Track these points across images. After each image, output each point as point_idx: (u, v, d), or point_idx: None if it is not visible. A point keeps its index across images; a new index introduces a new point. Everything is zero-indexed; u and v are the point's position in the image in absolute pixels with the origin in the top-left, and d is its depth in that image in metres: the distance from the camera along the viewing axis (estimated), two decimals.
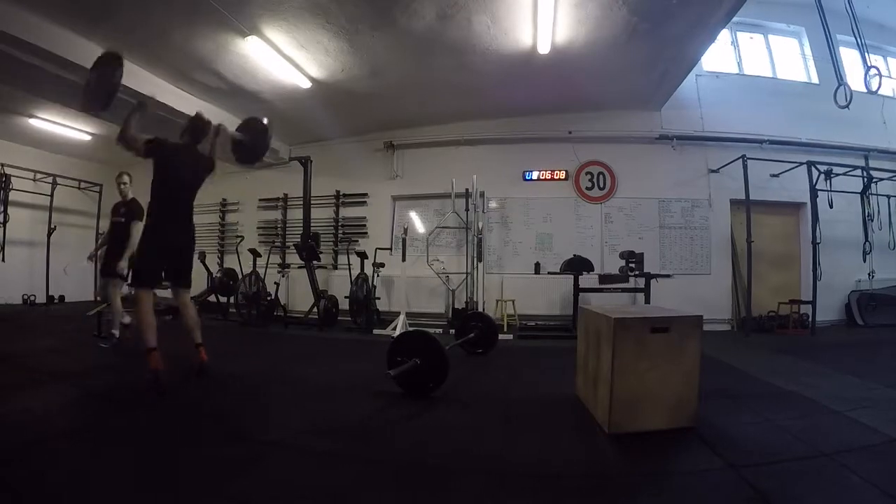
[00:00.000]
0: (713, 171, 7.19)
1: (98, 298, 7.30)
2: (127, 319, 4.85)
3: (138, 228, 4.96)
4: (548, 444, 2.25)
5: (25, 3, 4.63)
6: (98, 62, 3.60)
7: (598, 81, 6.34)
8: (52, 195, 8.28)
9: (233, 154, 4.34)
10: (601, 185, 7.26)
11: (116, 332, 4.75)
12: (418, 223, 7.60)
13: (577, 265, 6.19)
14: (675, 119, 7.30)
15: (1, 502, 1.62)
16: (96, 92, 3.57)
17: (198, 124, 3.67)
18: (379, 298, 6.72)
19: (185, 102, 6.76)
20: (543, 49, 5.31)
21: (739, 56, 8.20)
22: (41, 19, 4.84)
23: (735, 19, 5.27)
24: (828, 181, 6.66)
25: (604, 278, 6.17)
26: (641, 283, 6.09)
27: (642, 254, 6.17)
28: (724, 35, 7.60)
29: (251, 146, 4.22)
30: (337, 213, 7.88)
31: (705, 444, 2.20)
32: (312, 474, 1.91)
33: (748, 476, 1.84)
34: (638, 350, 2.35)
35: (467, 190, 6.76)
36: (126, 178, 5.15)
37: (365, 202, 7.80)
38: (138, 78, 6.04)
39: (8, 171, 8.06)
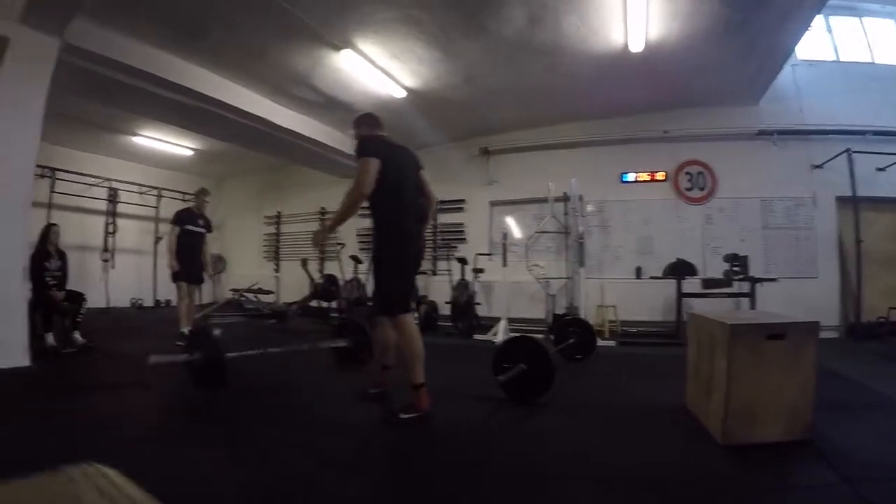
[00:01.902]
0: (816, 167, 6.85)
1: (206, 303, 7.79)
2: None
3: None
4: (658, 454, 2.20)
5: (128, 30, 4.94)
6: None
7: (693, 77, 6.15)
8: (157, 206, 8.80)
9: None
10: (701, 186, 7.05)
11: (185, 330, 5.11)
12: (516, 228, 7.63)
13: (680, 269, 6.05)
14: (773, 112, 6.97)
15: None
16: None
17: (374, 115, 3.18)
18: (480, 304, 6.80)
19: (283, 117, 7.03)
20: (636, 47, 5.19)
21: (834, 42, 7.78)
22: (143, 44, 5.17)
23: (828, 3, 5.01)
24: None
25: (707, 283, 6.02)
26: (745, 287, 5.87)
27: (747, 257, 5.99)
28: (818, 20, 7.22)
29: None
30: (435, 219, 8.00)
31: (820, 457, 2.11)
32: (424, 477, 1.95)
33: (865, 492, 1.75)
34: (753, 357, 2.25)
35: (565, 194, 6.74)
36: (209, 195, 5.70)
37: (462, 208, 7.89)
38: (238, 95, 6.34)
39: (115, 185, 8.60)
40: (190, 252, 5.30)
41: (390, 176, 2.67)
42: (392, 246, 2.78)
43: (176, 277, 5.24)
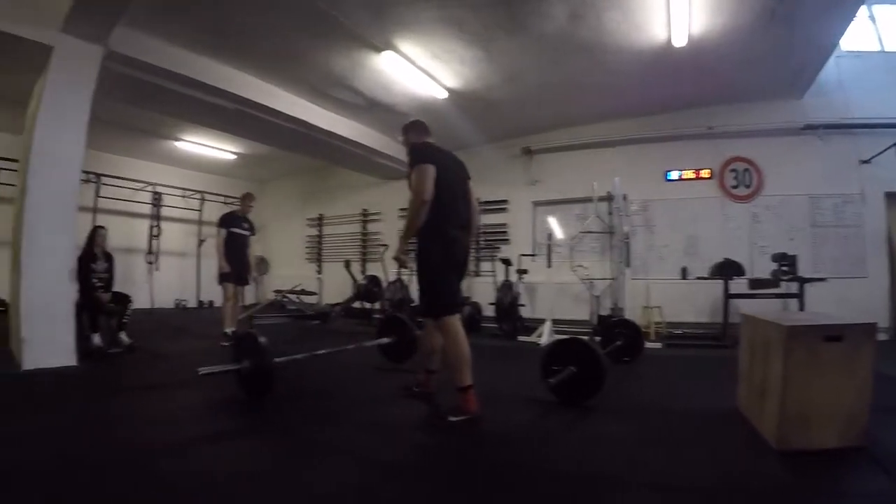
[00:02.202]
0: (864, 162, 6.68)
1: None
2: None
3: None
4: (712, 459, 2.17)
5: (169, 36, 5.04)
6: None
7: (737, 72, 6.03)
8: (200, 210, 8.97)
9: None
10: (747, 183, 6.95)
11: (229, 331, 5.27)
12: (560, 228, 7.63)
13: (727, 269, 5.98)
14: (818, 106, 6.80)
15: (158, 498, 1.74)
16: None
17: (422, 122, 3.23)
18: (524, 305, 6.83)
19: (325, 119, 7.10)
20: (679, 42, 5.11)
21: (879, 32, 7.56)
22: (185, 50, 5.28)
23: None
24: None
25: (754, 283, 5.92)
26: (793, 287, 5.76)
27: (795, 256, 5.89)
28: (861, 10, 7.01)
29: None
30: (478, 228, 7.99)
31: (875, 462, 2.07)
32: (477, 481, 1.94)
33: None
34: (810, 360, 2.18)
35: (609, 193, 6.71)
36: (254, 200, 5.85)
37: (505, 209, 7.90)
38: (279, 98, 6.42)
39: (159, 189, 8.79)
40: (235, 254, 5.46)
41: (439, 182, 2.70)
42: (434, 249, 2.77)
43: (223, 279, 5.39)
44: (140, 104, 6.30)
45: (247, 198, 5.83)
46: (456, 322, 2.74)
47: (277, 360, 2.96)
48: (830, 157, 6.81)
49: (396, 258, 2.96)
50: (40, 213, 3.89)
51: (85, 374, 3.75)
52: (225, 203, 9.03)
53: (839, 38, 5.67)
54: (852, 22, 5.33)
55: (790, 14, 4.76)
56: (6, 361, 3.84)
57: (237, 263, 5.45)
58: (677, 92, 6.55)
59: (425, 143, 2.99)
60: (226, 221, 5.55)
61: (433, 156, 2.77)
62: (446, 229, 2.79)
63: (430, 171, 2.67)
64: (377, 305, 7.51)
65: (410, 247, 2.89)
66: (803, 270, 6.02)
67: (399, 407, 2.98)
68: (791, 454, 2.14)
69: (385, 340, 4.08)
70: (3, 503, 1.63)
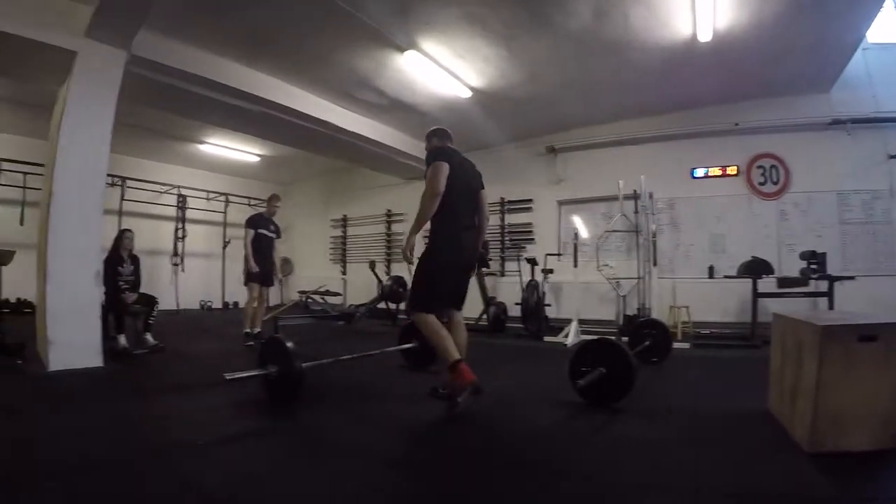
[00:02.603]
0: (893, 157, 6.59)
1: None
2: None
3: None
4: (742, 462, 2.13)
5: (192, 40, 5.10)
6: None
7: (764, 66, 5.95)
8: (225, 212, 9.07)
9: None
10: (774, 180, 6.86)
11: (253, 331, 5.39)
12: (585, 227, 7.62)
13: (755, 268, 5.94)
14: (846, 100, 6.66)
15: (191, 498, 1.74)
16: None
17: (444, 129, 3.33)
18: (549, 305, 6.85)
19: (348, 120, 7.12)
20: (704, 37, 5.05)
21: None
22: (208, 53, 5.33)
23: None
24: None
25: (782, 282, 5.87)
26: (822, 286, 5.67)
27: (825, 254, 5.81)
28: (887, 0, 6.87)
29: None
30: (503, 219, 8.07)
31: None
32: (503, 483, 1.92)
33: None
34: (844, 361, 2.13)
35: (635, 191, 6.68)
36: (280, 201, 5.89)
37: (530, 208, 7.90)
38: (302, 100, 6.46)
39: (184, 192, 8.90)
40: (262, 255, 5.52)
41: (450, 182, 2.85)
42: (437, 249, 2.96)
43: (249, 279, 5.47)
44: (164, 107, 6.38)
45: (273, 199, 5.90)
46: (426, 316, 2.89)
47: (304, 364, 2.94)
48: (858, 152, 6.70)
49: (403, 252, 3.09)
50: (66, 216, 3.93)
51: (110, 375, 3.79)
52: (249, 205, 9.13)
53: (866, 30, 5.55)
54: (879, 13, 5.24)
55: (816, 5, 4.68)
56: (33, 362, 3.88)
57: (264, 264, 5.52)
58: (703, 88, 6.48)
59: (444, 146, 3.12)
60: (254, 222, 5.62)
61: (450, 158, 2.93)
62: (452, 229, 2.95)
63: (444, 167, 2.84)
64: (402, 306, 7.55)
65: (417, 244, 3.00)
66: (832, 268, 5.96)
67: (424, 407, 2.96)
68: (823, 457, 2.10)
69: (407, 346, 4.08)
70: (27, 502, 1.64)
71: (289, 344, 2.91)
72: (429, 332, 2.88)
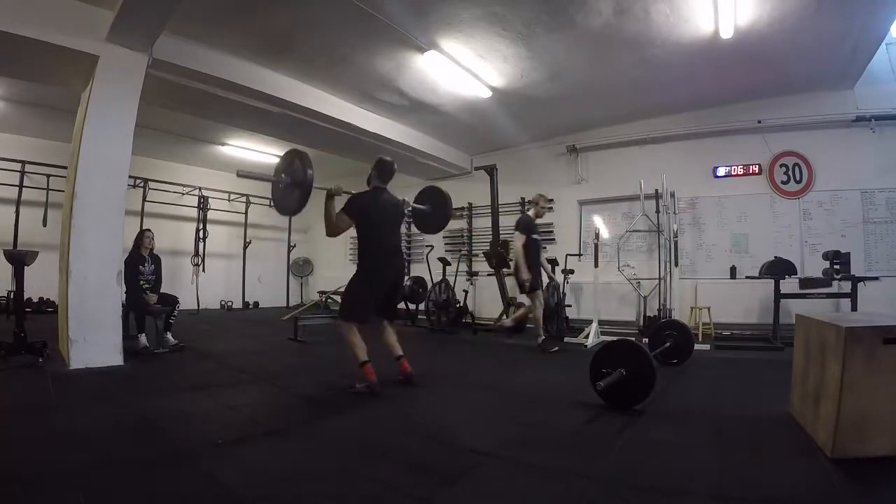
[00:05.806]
0: None
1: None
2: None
3: None
4: (764, 467, 2.11)
5: (213, 43, 5.15)
6: (286, 162, 3.68)
7: (786, 63, 5.87)
8: (246, 213, 9.17)
9: (415, 225, 4.72)
10: (797, 178, 6.78)
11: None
12: (606, 227, 7.61)
13: (778, 268, 5.88)
14: (870, 97, 6.55)
15: (212, 496, 1.75)
16: (289, 198, 3.57)
17: (387, 167, 3.77)
18: (570, 305, 6.86)
19: (369, 121, 7.16)
20: (726, 33, 5.00)
21: None
22: (229, 56, 5.39)
23: None
24: None
25: (805, 282, 5.79)
26: (845, 286, 5.59)
27: (848, 254, 5.71)
28: None
29: (434, 217, 4.49)
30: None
31: None
32: (524, 487, 1.91)
33: None
34: (868, 364, 2.09)
35: (657, 191, 6.65)
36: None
37: (551, 208, 7.86)
38: (323, 101, 6.50)
39: (205, 193, 9.01)
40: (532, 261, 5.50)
41: (370, 221, 3.58)
42: (359, 271, 3.56)
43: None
44: (186, 110, 6.45)
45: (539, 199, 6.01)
46: (346, 324, 3.44)
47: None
48: (883, 150, 6.59)
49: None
50: (88, 217, 4.00)
51: (131, 374, 3.84)
52: (270, 206, 9.17)
53: (890, 25, 5.47)
54: None
55: (839, 1, 4.61)
56: (55, 361, 3.94)
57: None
58: (724, 85, 6.42)
59: (366, 191, 3.73)
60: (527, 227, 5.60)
61: (363, 204, 3.60)
62: (374, 255, 3.59)
63: (344, 220, 3.56)
64: (421, 306, 7.61)
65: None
66: (855, 269, 5.89)
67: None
68: (846, 462, 2.07)
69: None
70: (47, 502, 1.65)
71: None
72: (345, 337, 3.41)
